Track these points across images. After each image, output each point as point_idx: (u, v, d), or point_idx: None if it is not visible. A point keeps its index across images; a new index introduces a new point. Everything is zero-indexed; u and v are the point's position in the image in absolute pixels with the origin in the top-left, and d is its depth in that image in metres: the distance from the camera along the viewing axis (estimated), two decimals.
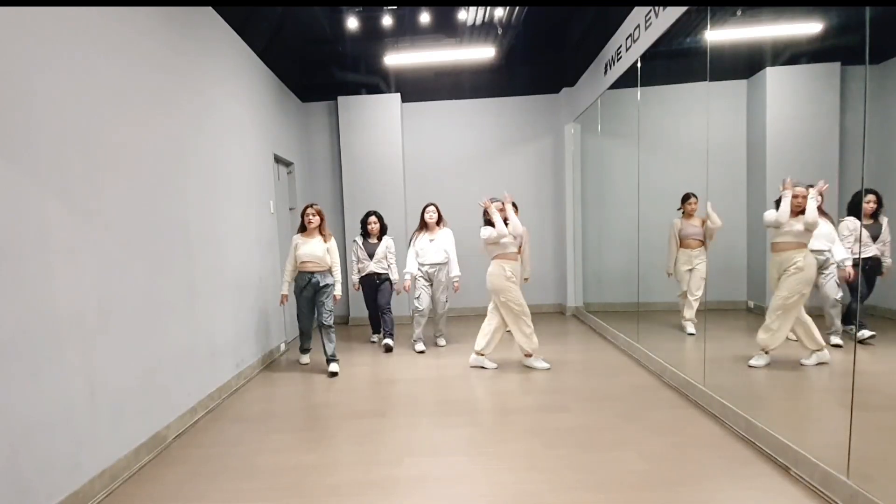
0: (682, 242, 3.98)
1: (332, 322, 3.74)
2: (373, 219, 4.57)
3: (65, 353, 1.96)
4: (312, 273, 3.71)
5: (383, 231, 4.63)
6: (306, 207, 3.76)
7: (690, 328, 3.92)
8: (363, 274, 4.57)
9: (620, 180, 4.46)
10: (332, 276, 3.79)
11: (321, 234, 3.78)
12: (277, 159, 4.78)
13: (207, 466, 2.35)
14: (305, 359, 4.09)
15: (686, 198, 3.91)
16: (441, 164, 5.99)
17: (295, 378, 3.76)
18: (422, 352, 4.32)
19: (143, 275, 2.50)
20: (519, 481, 2.09)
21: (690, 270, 3.94)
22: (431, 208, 4.34)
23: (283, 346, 4.58)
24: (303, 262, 3.70)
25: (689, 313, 3.94)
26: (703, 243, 3.87)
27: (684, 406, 2.86)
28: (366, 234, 4.60)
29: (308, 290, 3.73)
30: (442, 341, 4.57)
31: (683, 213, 3.95)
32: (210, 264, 3.21)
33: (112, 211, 2.28)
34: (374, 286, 4.56)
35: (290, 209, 5.26)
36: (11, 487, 1.70)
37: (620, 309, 4.57)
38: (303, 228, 3.79)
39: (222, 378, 3.33)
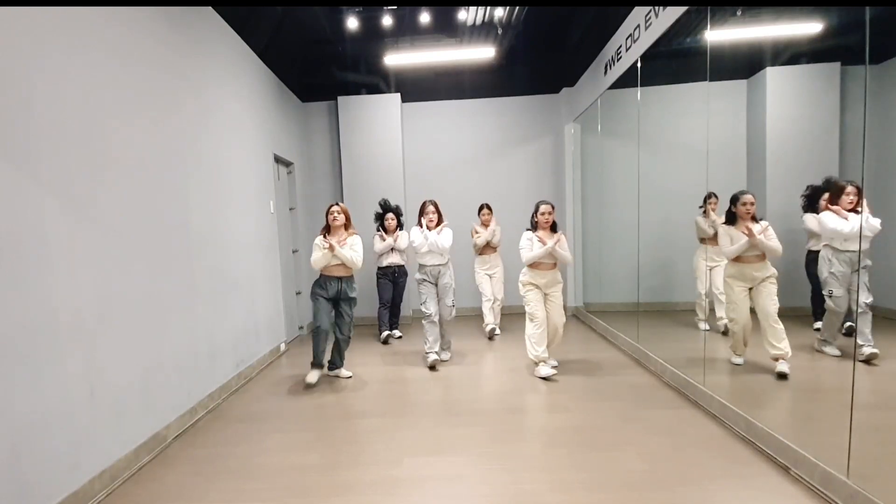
0: (705, 241, 3.89)
1: (351, 336, 3.62)
2: (390, 215, 4.83)
3: (65, 353, 1.97)
4: (340, 279, 3.47)
5: (400, 227, 4.91)
6: (331, 206, 3.52)
7: (703, 325, 3.89)
8: (384, 265, 4.80)
9: (620, 180, 4.46)
10: (356, 286, 3.59)
11: (346, 232, 3.53)
12: (277, 159, 4.78)
13: (207, 466, 2.35)
14: (314, 376, 3.45)
15: (708, 197, 3.80)
16: (441, 164, 5.99)
17: (295, 378, 3.75)
18: (433, 367, 3.82)
19: (143, 275, 2.50)
20: (519, 481, 2.09)
21: (711, 269, 3.85)
22: (430, 208, 3.88)
23: (283, 346, 4.58)
24: (329, 267, 3.45)
25: (716, 311, 3.88)
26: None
27: (684, 406, 2.86)
28: (384, 230, 4.85)
29: (331, 293, 3.47)
30: (446, 355, 4.05)
31: (705, 212, 3.85)
32: (210, 264, 3.21)
33: (112, 211, 2.28)
34: (395, 279, 4.85)
35: (291, 209, 5.26)
36: (11, 487, 1.70)
37: (621, 309, 4.57)
38: (327, 230, 3.53)
39: (222, 378, 3.33)
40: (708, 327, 3.82)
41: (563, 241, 3.49)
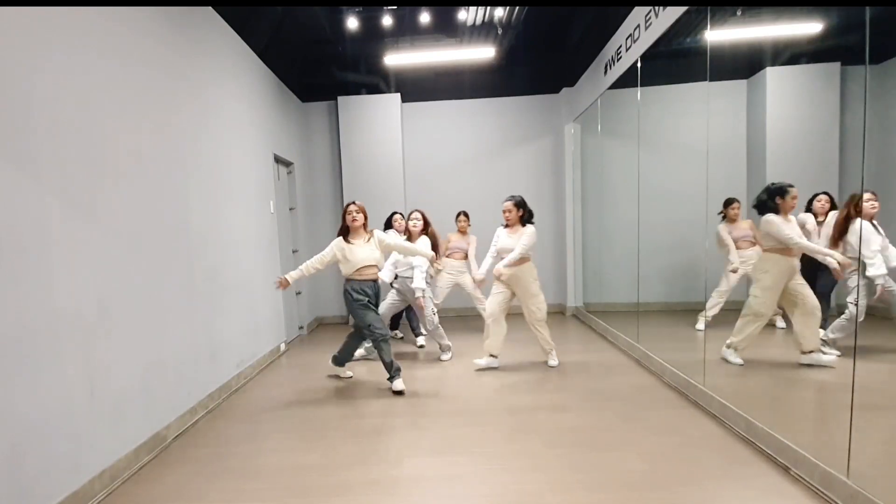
0: (727, 247, 3.83)
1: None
2: (398, 216, 4.61)
3: (65, 353, 1.97)
4: (375, 281, 3.33)
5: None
6: (348, 205, 3.30)
7: (700, 325, 3.85)
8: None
9: (620, 180, 4.46)
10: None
11: (366, 232, 3.33)
12: (277, 159, 4.78)
13: (207, 466, 2.35)
14: (400, 383, 3.31)
15: (729, 202, 3.72)
16: (441, 164, 5.99)
17: (295, 378, 3.76)
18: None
19: (144, 274, 2.50)
20: (519, 481, 2.09)
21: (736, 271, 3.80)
22: (416, 214, 3.90)
23: (283, 346, 4.58)
24: (361, 270, 3.24)
25: (711, 307, 3.82)
26: (754, 244, 3.75)
27: (684, 406, 2.86)
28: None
29: (370, 298, 3.29)
30: (445, 356, 4.11)
31: (725, 217, 3.76)
32: (210, 264, 3.21)
33: (112, 211, 2.28)
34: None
35: (291, 209, 5.26)
36: (12, 487, 1.70)
37: (621, 309, 4.57)
38: (345, 231, 3.30)
39: (222, 378, 3.33)
40: (703, 328, 3.76)
41: (524, 234, 3.50)
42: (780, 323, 3.70)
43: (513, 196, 3.58)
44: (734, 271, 3.75)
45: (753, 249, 3.69)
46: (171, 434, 2.67)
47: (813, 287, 2.95)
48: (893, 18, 2.24)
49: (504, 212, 3.55)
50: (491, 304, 3.61)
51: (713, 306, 3.79)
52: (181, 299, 2.85)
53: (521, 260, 3.53)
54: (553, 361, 3.74)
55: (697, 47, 3.01)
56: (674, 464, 2.18)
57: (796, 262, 2.94)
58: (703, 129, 2.95)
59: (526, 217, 3.57)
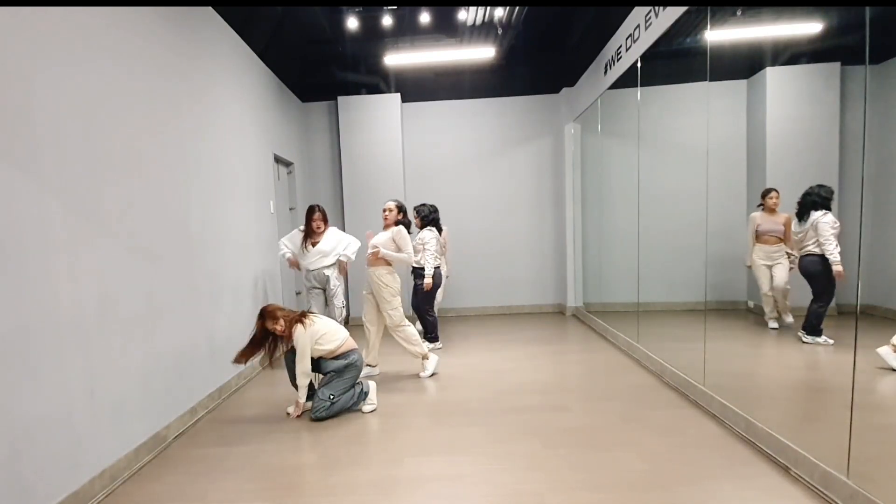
0: (760, 238, 3.65)
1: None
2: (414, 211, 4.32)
3: (65, 353, 1.96)
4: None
5: (427, 224, 4.26)
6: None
7: (773, 324, 3.76)
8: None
9: (620, 180, 4.46)
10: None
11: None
12: (277, 159, 4.78)
13: (207, 466, 2.36)
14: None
15: (767, 192, 3.54)
16: (441, 164, 5.99)
17: None
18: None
19: (144, 274, 2.50)
20: (519, 481, 2.09)
21: (770, 267, 3.71)
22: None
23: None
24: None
25: (768, 309, 3.65)
26: (781, 241, 3.55)
27: (684, 406, 2.86)
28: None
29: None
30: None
31: (764, 207, 3.59)
32: (210, 264, 3.21)
33: (113, 211, 2.28)
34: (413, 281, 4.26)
35: (291, 209, 5.26)
36: (11, 487, 1.70)
37: (621, 309, 4.57)
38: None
39: (222, 378, 3.33)
40: (777, 325, 3.63)
41: (397, 233, 3.54)
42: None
43: (396, 199, 3.69)
44: (749, 266, 3.65)
45: (780, 245, 3.55)
46: (171, 434, 2.67)
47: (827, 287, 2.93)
48: (893, 18, 2.24)
49: (385, 210, 3.62)
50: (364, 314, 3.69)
51: (770, 310, 3.63)
52: (181, 299, 2.85)
53: (378, 260, 3.52)
54: (424, 373, 3.60)
55: (697, 47, 3.01)
56: (674, 464, 2.19)
57: None
58: (702, 129, 2.95)
59: (402, 222, 3.64)
